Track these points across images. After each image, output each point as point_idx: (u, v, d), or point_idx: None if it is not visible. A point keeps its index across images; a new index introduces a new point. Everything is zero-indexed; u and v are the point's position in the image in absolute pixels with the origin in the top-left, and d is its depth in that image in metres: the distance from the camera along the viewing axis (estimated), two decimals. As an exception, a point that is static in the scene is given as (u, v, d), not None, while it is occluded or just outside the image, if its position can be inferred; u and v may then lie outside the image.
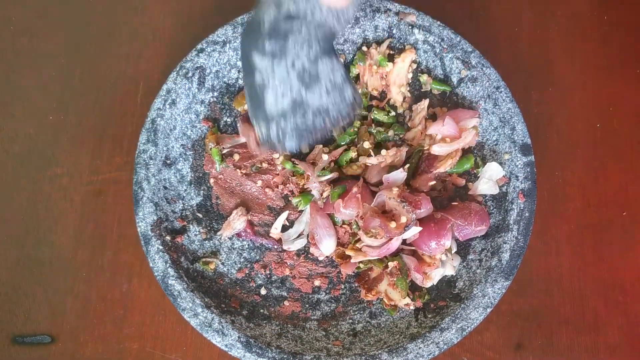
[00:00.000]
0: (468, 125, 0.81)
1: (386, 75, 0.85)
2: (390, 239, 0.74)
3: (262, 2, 0.57)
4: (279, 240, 0.81)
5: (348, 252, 0.77)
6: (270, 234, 0.82)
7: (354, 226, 0.78)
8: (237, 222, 0.81)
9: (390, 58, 0.84)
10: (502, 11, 0.94)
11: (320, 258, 0.81)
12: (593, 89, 0.90)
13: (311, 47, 0.59)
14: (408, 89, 0.85)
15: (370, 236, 0.74)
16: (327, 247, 0.79)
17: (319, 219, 0.79)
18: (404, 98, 0.85)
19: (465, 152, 0.81)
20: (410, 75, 0.85)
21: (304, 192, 0.81)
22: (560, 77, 0.91)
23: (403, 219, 0.72)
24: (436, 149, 0.80)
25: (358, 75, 0.85)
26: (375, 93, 0.86)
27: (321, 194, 0.80)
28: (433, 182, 0.81)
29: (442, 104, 0.85)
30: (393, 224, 0.73)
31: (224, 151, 0.83)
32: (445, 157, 0.80)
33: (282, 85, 0.62)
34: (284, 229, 0.82)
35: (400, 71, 0.84)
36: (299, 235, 0.81)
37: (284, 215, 0.82)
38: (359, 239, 0.76)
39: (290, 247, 0.81)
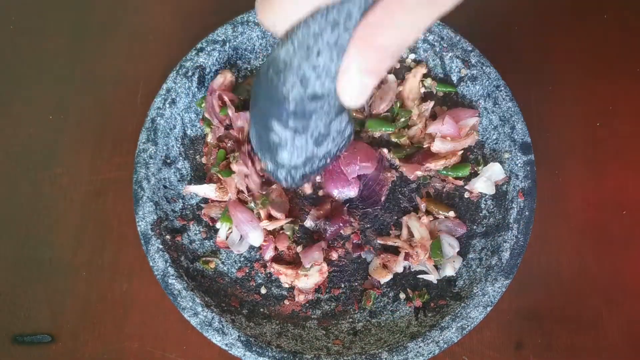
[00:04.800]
0: (468, 124, 0.81)
1: (399, 93, 0.85)
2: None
3: (281, 70, 0.56)
4: (227, 246, 0.81)
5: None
6: (217, 241, 0.81)
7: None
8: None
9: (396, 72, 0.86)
10: (502, 9, 0.94)
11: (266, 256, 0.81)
12: (593, 88, 0.90)
13: (329, 115, 0.60)
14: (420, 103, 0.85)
15: None
16: (255, 239, 0.79)
17: (239, 215, 0.78)
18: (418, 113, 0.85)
19: (465, 158, 0.81)
20: (423, 90, 0.86)
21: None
22: (560, 76, 0.91)
23: None
24: (438, 145, 0.80)
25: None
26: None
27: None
28: (420, 174, 0.82)
29: (441, 103, 0.85)
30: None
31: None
32: (441, 156, 0.80)
33: (299, 150, 0.64)
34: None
35: (412, 86, 0.85)
36: (242, 237, 0.81)
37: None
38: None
39: (239, 250, 0.80)
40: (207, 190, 0.80)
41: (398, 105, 0.84)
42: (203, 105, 0.82)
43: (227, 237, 0.80)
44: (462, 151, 0.81)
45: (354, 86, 0.52)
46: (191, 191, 0.80)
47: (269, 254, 0.79)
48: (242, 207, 0.79)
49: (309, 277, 0.78)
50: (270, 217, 0.79)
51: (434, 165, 0.80)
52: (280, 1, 0.46)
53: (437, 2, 0.44)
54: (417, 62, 0.86)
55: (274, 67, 0.56)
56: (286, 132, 0.61)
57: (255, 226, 0.78)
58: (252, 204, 0.79)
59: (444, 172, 0.81)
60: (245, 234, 0.78)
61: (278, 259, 0.80)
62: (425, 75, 0.85)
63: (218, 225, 0.81)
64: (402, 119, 0.83)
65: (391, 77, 0.86)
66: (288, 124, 0.60)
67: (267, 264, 0.80)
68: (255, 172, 0.78)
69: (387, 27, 0.46)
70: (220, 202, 0.81)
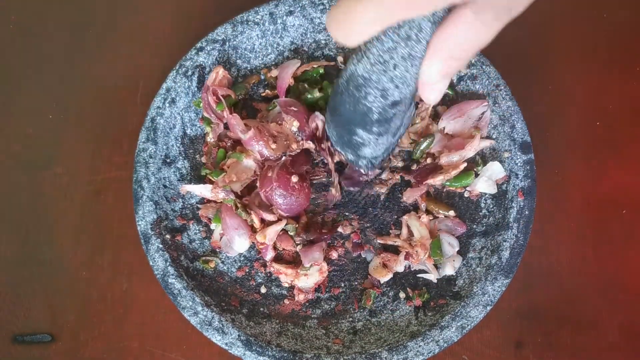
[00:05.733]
0: (475, 114, 0.81)
1: None
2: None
3: (361, 85, 0.61)
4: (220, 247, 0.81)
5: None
6: (212, 242, 0.81)
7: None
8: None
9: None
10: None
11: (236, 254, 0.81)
12: (593, 87, 0.90)
13: (405, 112, 0.66)
14: None
15: None
16: (239, 245, 0.78)
17: (227, 220, 0.78)
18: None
19: (468, 167, 0.81)
20: None
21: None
22: (560, 75, 0.91)
23: None
24: (445, 159, 0.80)
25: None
26: None
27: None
28: (422, 193, 0.82)
29: (442, 103, 0.85)
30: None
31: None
32: (442, 171, 0.80)
33: (381, 146, 0.69)
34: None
35: None
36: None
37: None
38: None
39: (230, 253, 0.80)
40: (202, 190, 0.80)
41: None
42: (201, 104, 0.82)
43: (220, 239, 0.80)
44: (465, 163, 0.80)
45: (436, 91, 0.58)
46: (188, 190, 0.80)
47: (269, 255, 0.79)
48: (232, 212, 0.78)
49: (308, 277, 0.78)
50: (263, 221, 0.78)
51: (434, 181, 0.80)
52: (356, 21, 0.48)
53: (510, 11, 0.49)
54: None
55: (354, 83, 0.61)
56: (370, 135, 0.67)
57: (242, 233, 0.78)
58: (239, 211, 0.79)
59: (447, 183, 0.81)
60: (231, 238, 0.78)
61: (278, 258, 0.80)
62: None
63: (213, 226, 0.81)
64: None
65: None
66: (372, 130, 0.66)
67: (267, 264, 0.80)
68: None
69: (464, 41, 0.51)
70: (217, 202, 0.81)
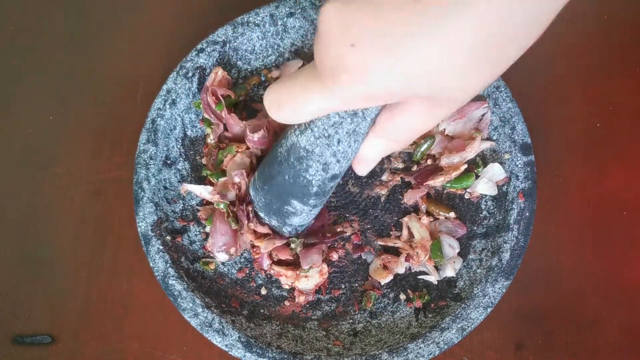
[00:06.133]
0: (476, 116, 0.81)
1: None
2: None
3: (303, 157, 0.61)
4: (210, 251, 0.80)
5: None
6: (204, 247, 0.81)
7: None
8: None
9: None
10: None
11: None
12: (593, 88, 0.90)
13: (340, 181, 0.68)
14: None
15: None
16: (222, 255, 0.78)
17: (218, 224, 0.77)
18: None
19: (469, 168, 0.81)
20: None
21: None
22: (560, 77, 0.91)
23: None
24: (445, 161, 0.80)
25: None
26: None
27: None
28: (422, 195, 0.82)
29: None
30: None
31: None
32: (443, 172, 0.80)
33: (312, 215, 0.70)
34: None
35: None
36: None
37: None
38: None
39: (219, 259, 0.79)
40: (202, 190, 0.80)
41: None
42: (201, 105, 0.82)
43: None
44: (465, 164, 0.80)
45: (370, 165, 0.61)
46: (188, 189, 0.80)
47: (265, 264, 0.79)
48: (224, 218, 0.78)
49: (309, 278, 0.78)
50: (255, 233, 0.78)
51: (434, 183, 0.80)
52: (300, 108, 0.51)
53: (458, 103, 0.49)
54: None
55: (295, 154, 0.61)
56: (305, 207, 0.67)
57: (227, 240, 0.78)
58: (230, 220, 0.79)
59: (447, 185, 0.81)
60: (216, 242, 0.78)
61: (278, 260, 0.80)
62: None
63: (207, 229, 0.81)
64: None
65: None
66: (309, 202, 0.66)
67: (267, 267, 0.79)
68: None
69: (408, 127, 0.53)
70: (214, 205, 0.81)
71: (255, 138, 0.78)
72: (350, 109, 0.52)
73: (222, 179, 0.78)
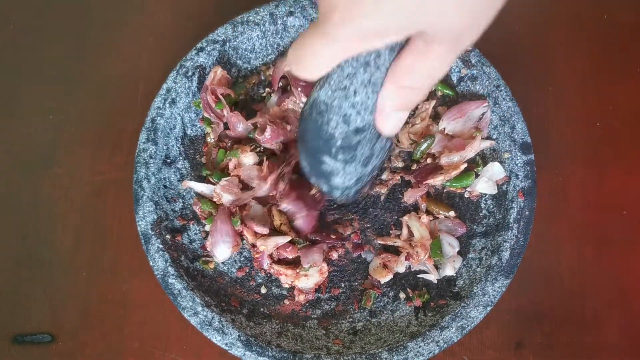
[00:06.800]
0: (476, 115, 0.81)
1: None
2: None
3: (323, 111, 0.61)
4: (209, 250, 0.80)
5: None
6: (203, 246, 0.81)
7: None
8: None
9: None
10: (502, 10, 0.94)
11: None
12: (593, 88, 0.90)
13: (372, 141, 0.64)
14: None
15: None
16: (221, 253, 0.78)
17: (219, 224, 0.77)
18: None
19: (468, 167, 0.81)
20: None
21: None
22: (560, 76, 0.91)
23: None
24: (445, 160, 0.80)
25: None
26: None
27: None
28: (422, 194, 0.81)
29: (442, 103, 0.85)
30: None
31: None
32: (443, 171, 0.80)
33: (350, 175, 0.68)
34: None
35: None
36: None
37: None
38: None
39: (218, 258, 0.79)
40: (203, 188, 0.80)
41: None
42: (201, 105, 0.82)
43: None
44: (465, 163, 0.80)
45: (391, 121, 0.58)
46: (189, 186, 0.80)
47: (265, 264, 0.79)
48: (225, 217, 0.78)
49: (309, 277, 0.78)
50: (256, 234, 0.78)
51: (434, 182, 0.80)
52: (316, 58, 0.51)
53: (462, 41, 0.49)
54: None
55: (317, 109, 0.61)
56: (337, 163, 0.66)
57: (226, 240, 0.78)
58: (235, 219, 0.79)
59: (447, 184, 0.81)
60: (216, 242, 0.78)
61: (278, 259, 0.80)
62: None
63: (207, 227, 0.81)
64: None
65: None
66: (337, 157, 0.65)
67: (267, 266, 0.79)
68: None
69: (418, 71, 0.52)
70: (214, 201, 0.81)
71: (267, 136, 0.78)
72: (352, 54, 0.51)
73: (224, 180, 0.78)
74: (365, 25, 0.46)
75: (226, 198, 0.78)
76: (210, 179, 0.80)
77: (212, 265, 0.79)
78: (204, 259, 0.79)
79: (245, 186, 0.80)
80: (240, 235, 0.79)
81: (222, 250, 0.78)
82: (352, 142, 0.63)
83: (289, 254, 0.78)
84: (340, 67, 0.56)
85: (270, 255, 0.79)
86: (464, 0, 0.45)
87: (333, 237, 0.80)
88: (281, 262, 0.79)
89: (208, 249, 0.79)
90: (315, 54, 0.50)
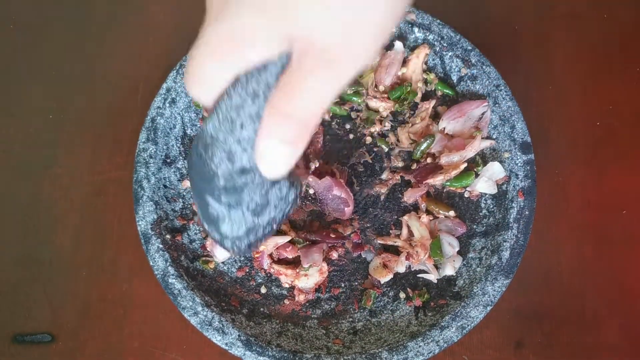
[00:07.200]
0: (475, 115, 0.81)
1: (401, 75, 0.85)
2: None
3: (209, 144, 0.55)
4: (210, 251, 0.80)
5: None
6: (204, 246, 0.81)
7: None
8: None
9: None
10: (502, 9, 0.95)
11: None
12: (593, 87, 0.91)
13: (263, 186, 0.58)
14: (424, 86, 0.85)
15: None
16: (221, 252, 0.78)
17: None
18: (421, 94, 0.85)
19: (468, 167, 0.81)
20: (424, 87, 0.86)
21: None
22: (560, 76, 0.91)
23: None
24: (445, 160, 0.80)
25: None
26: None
27: None
28: (422, 194, 0.82)
29: (442, 103, 0.85)
30: None
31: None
32: (443, 171, 0.80)
33: (237, 222, 0.62)
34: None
35: (415, 67, 0.85)
36: None
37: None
38: None
39: (218, 258, 0.79)
40: None
41: (407, 89, 0.84)
42: (201, 104, 0.82)
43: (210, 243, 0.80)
44: (465, 163, 0.80)
45: (271, 156, 0.50)
46: (189, 186, 0.80)
47: (265, 264, 0.79)
48: None
49: (309, 277, 0.78)
50: None
51: (434, 181, 0.80)
52: (202, 73, 0.47)
53: (340, 62, 0.44)
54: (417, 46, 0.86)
55: (202, 141, 0.55)
56: (221, 206, 0.60)
57: None
58: None
59: (447, 183, 0.81)
60: (214, 244, 0.78)
61: (278, 259, 0.80)
62: (426, 71, 0.86)
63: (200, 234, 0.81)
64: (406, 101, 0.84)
65: (398, 45, 0.85)
66: (221, 199, 0.59)
67: (267, 266, 0.79)
68: None
69: (294, 93, 0.46)
70: None
71: None
72: (228, 62, 0.47)
73: None
74: (230, 25, 0.44)
75: None
76: None
77: (212, 265, 0.79)
78: (204, 258, 0.79)
79: None
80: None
81: (222, 250, 0.78)
82: (237, 183, 0.57)
83: (289, 254, 0.78)
84: (229, 97, 0.50)
85: (270, 255, 0.79)
86: (334, 11, 0.41)
87: (333, 236, 0.80)
88: (281, 262, 0.79)
89: (208, 248, 0.79)
90: (205, 69, 0.47)
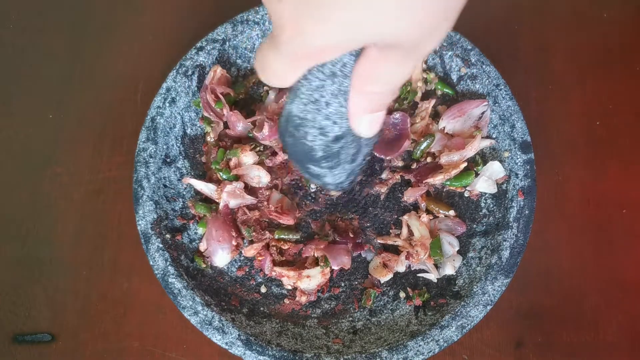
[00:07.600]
0: (475, 114, 0.81)
1: None
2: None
3: (299, 124, 0.60)
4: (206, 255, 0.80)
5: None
6: (199, 249, 0.81)
7: None
8: None
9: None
10: (502, 9, 0.95)
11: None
12: (593, 86, 0.91)
13: (355, 142, 0.63)
14: (424, 85, 0.85)
15: None
16: (220, 259, 0.78)
17: (214, 232, 0.77)
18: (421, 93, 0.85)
19: (468, 166, 0.81)
20: (424, 86, 0.86)
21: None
22: (560, 75, 0.91)
23: None
24: (445, 159, 0.80)
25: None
26: None
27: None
28: (422, 193, 0.81)
29: (442, 102, 0.85)
30: None
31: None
32: (442, 170, 0.80)
33: (338, 175, 0.68)
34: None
35: (415, 67, 0.85)
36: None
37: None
38: None
39: (217, 263, 0.79)
40: (204, 187, 0.80)
41: (407, 89, 0.84)
42: (201, 104, 0.82)
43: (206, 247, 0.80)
44: (465, 162, 0.80)
45: (365, 123, 0.58)
46: (189, 183, 0.80)
47: (267, 267, 0.79)
48: (219, 223, 0.78)
49: (311, 279, 0.78)
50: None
51: (434, 181, 0.80)
52: (273, 69, 0.50)
53: (419, 48, 0.47)
54: None
55: (292, 123, 0.60)
56: (322, 169, 0.66)
57: (224, 247, 0.78)
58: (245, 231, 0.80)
59: (447, 183, 0.81)
60: (213, 250, 0.78)
61: (280, 261, 0.80)
62: (426, 70, 0.85)
63: (200, 230, 0.81)
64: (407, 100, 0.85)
65: None
66: (321, 165, 0.65)
67: (268, 270, 0.79)
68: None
69: (376, 77, 0.52)
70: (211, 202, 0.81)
71: (265, 133, 0.78)
72: (305, 68, 0.51)
73: (229, 186, 0.78)
74: (310, 42, 0.45)
75: (233, 203, 0.79)
76: (220, 176, 0.80)
77: (204, 265, 0.79)
78: (198, 257, 0.79)
79: (251, 190, 0.81)
80: (242, 235, 0.80)
81: (221, 257, 0.78)
82: (333, 150, 0.62)
83: (292, 250, 0.78)
84: (307, 80, 0.55)
85: (272, 259, 0.79)
86: (415, 13, 0.43)
87: (351, 235, 0.80)
88: (283, 264, 0.79)
89: (205, 254, 0.79)
90: (271, 66, 0.50)
